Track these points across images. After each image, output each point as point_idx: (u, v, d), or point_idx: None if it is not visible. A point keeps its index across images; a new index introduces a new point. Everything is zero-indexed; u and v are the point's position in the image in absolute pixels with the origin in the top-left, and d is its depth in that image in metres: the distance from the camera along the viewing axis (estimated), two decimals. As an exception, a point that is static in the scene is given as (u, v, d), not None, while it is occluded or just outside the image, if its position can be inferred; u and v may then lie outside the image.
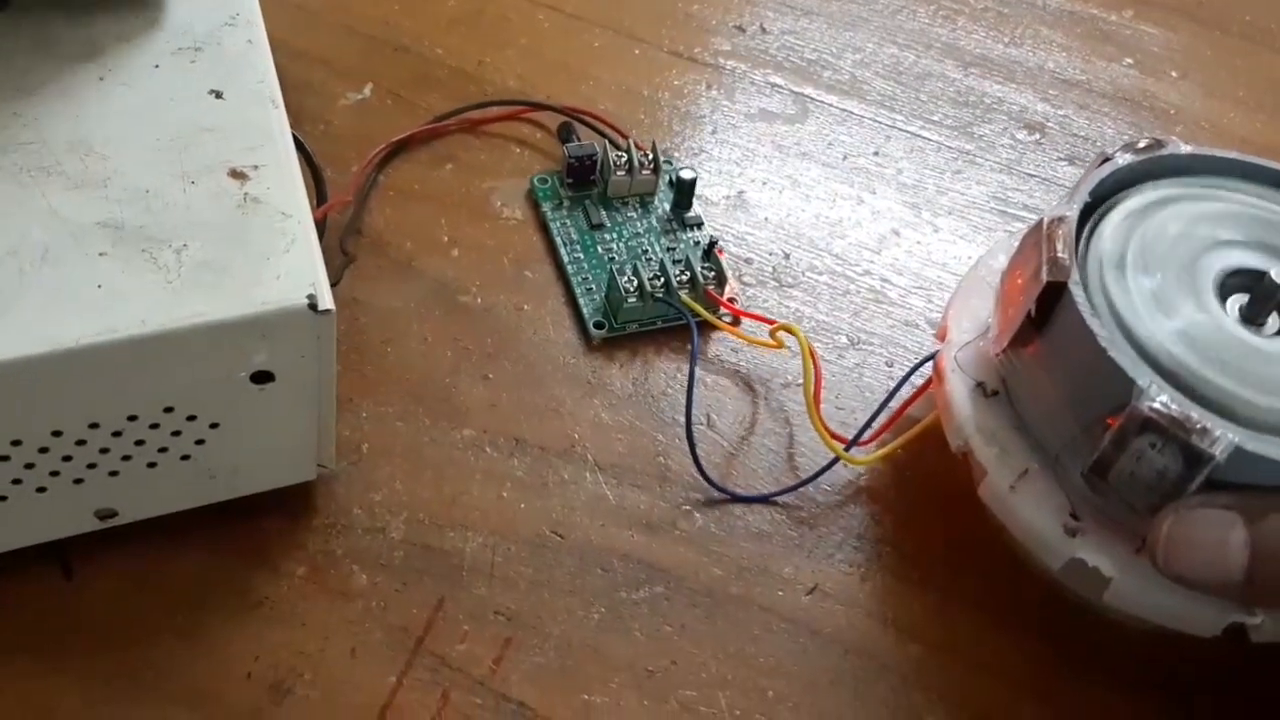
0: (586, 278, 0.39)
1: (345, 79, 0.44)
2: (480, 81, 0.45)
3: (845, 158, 0.45)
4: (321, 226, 0.38)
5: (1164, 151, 0.32)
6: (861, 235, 0.42)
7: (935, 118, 0.47)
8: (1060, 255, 0.28)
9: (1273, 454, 0.26)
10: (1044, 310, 0.29)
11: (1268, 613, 0.28)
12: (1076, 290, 0.28)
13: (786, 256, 0.41)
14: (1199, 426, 0.26)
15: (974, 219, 0.43)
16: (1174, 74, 0.50)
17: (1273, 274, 0.29)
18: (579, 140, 0.42)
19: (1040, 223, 0.30)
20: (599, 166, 0.41)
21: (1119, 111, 0.48)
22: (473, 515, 0.33)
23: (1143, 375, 0.27)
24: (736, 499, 0.34)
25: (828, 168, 0.44)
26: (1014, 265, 0.31)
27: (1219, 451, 0.26)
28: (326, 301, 0.28)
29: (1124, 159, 0.31)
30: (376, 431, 0.35)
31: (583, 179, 0.41)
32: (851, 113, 0.46)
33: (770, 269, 0.41)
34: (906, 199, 0.44)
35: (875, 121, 0.46)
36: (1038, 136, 0.47)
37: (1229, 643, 0.28)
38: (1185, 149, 0.32)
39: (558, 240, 0.40)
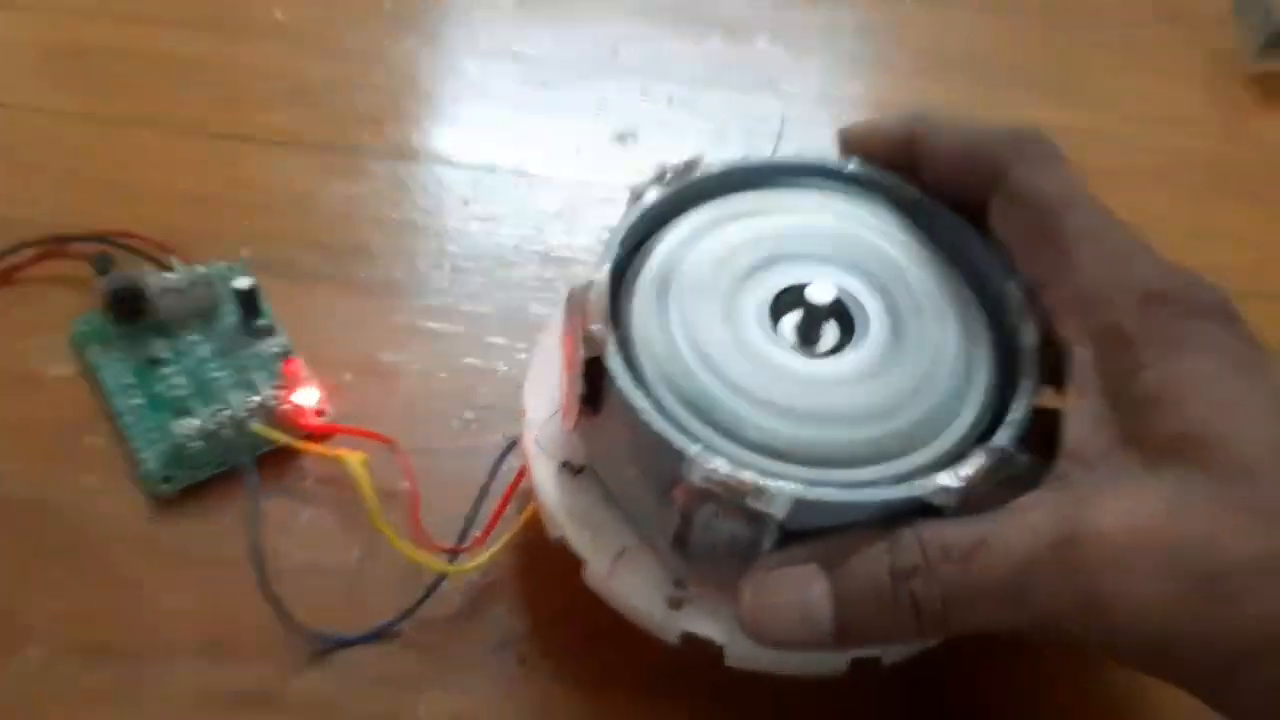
0: (149, 426, 0.34)
1: None
2: (11, 222, 0.39)
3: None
4: None
5: (695, 175, 0.30)
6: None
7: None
8: (593, 328, 0.26)
9: (833, 497, 0.25)
10: (594, 384, 0.27)
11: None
12: (614, 362, 0.26)
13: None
14: (753, 487, 0.24)
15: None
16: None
17: (808, 292, 0.27)
18: (116, 269, 0.37)
19: (572, 291, 0.27)
20: (144, 294, 0.36)
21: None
22: (52, 755, 0.29)
23: (690, 443, 0.25)
24: (346, 644, 0.31)
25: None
26: (565, 334, 0.29)
27: (777, 509, 0.24)
28: None
29: (652, 195, 0.29)
30: (-84, 687, 0.30)
31: (131, 311, 0.36)
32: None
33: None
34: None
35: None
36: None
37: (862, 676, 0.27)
38: (717, 167, 0.30)
39: (110, 388, 0.35)
